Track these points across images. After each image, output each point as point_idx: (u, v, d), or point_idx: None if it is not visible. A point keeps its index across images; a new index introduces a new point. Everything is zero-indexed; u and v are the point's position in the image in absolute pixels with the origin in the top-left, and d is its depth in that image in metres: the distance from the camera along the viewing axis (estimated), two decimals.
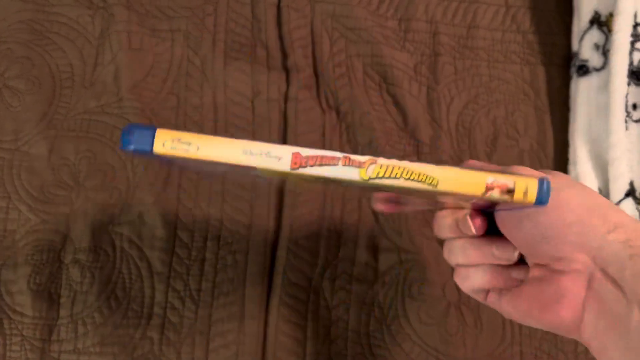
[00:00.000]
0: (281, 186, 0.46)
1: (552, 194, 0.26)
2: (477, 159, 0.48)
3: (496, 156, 0.49)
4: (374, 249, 0.46)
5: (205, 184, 0.46)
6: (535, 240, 0.29)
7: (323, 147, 0.47)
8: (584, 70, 0.48)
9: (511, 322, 0.45)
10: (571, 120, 0.49)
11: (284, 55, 0.49)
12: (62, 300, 0.42)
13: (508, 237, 0.30)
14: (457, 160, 0.48)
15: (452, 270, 0.33)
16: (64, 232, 0.44)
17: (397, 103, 0.49)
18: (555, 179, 0.29)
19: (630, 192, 0.45)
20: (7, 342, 0.41)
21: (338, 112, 0.49)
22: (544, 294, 0.29)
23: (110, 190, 0.45)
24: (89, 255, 0.43)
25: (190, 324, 0.43)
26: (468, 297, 0.34)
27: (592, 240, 0.28)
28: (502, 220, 0.30)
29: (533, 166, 0.48)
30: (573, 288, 0.28)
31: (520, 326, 0.45)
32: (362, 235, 0.46)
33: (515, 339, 0.45)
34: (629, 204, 0.45)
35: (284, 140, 0.47)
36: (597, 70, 0.48)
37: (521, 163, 0.49)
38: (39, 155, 0.45)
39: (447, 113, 0.49)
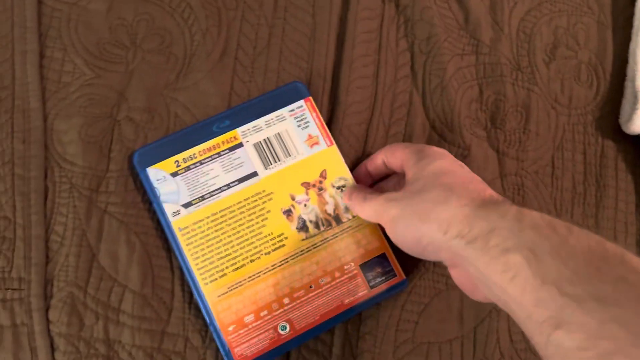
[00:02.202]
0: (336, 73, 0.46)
1: (399, 217, 0.35)
2: (535, 67, 0.48)
3: (554, 65, 0.48)
4: None
5: (261, 60, 0.45)
6: (415, 252, 0.37)
7: (380, 38, 0.47)
8: None
9: None
10: (634, 36, 0.48)
11: None
12: (113, 154, 0.42)
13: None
14: (514, 64, 0.48)
15: None
16: (118, 90, 0.43)
17: (460, 1, 0.48)
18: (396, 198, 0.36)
19: None
20: (57, 189, 0.41)
21: (398, 5, 0.48)
22: (464, 283, 0.37)
23: (167, 55, 0.44)
24: (143, 115, 0.43)
25: None
26: None
27: (439, 250, 0.34)
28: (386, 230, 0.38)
29: (589, 79, 0.48)
30: (465, 278, 0.36)
31: None
32: None
33: None
34: None
35: (342, 23, 0.47)
36: None
37: (578, 75, 0.48)
38: (97, 11, 0.44)
39: (509, 17, 0.49)
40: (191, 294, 0.41)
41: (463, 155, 0.45)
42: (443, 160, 0.37)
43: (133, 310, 0.40)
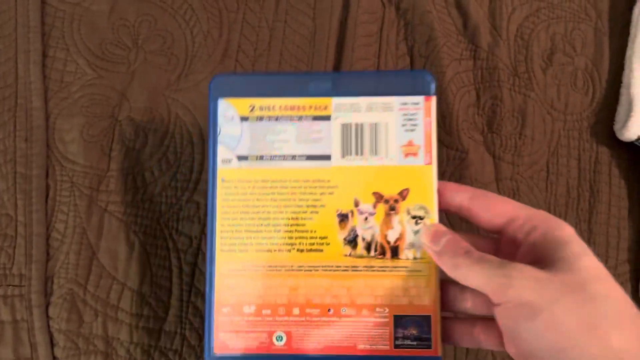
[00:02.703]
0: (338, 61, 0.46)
1: (546, 311, 0.26)
2: (532, 72, 0.48)
3: (551, 71, 0.49)
4: None
5: (262, 61, 0.46)
6: (529, 352, 0.27)
7: (380, 41, 0.47)
8: None
9: None
10: (630, 43, 0.49)
11: None
12: (114, 154, 0.43)
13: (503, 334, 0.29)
14: (511, 70, 0.48)
15: None
16: (120, 90, 0.44)
17: (459, 6, 0.49)
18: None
19: None
20: (58, 187, 0.42)
21: (398, 9, 0.48)
22: None
23: (168, 56, 0.45)
24: (144, 115, 0.44)
25: None
26: None
27: None
28: (499, 318, 0.28)
29: (586, 86, 0.48)
30: None
31: None
32: None
33: None
34: None
35: (342, 26, 0.47)
36: None
37: (574, 81, 0.49)
38: (99, 12, 0.45)
39: (507, 22, 0.49)
40: (189, 293, 0.41)
41: (461, 158, 0.46)
42: (591, 257, 0.28)
43: (132, 308, 0.41)
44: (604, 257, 0.46)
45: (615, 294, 0.26)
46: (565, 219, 0.46)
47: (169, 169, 0.43)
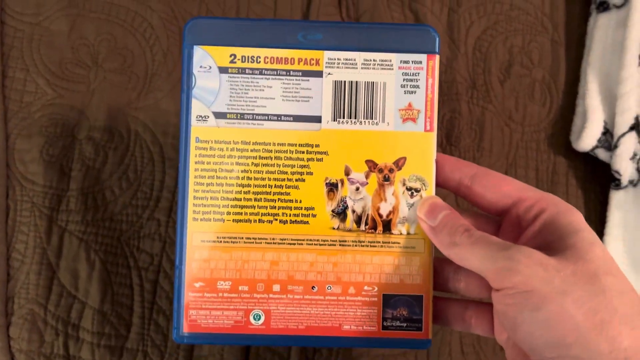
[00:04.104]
0: None
1: (554, 301, 0.24)
2: (490, 85, 0.49)
3: (509, 83, 0.49)
4: None
5: None
6: (529, 344, 0.25)
7: None
8: (604, 6, 0.49)
9: None
10: (585, 55, 0.50)
11: None
12: (74, 173, 0.43)
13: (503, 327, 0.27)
14: (470, 82, 0.49)
15: None
16: (79, 109, 0.44)
17: (418, 20, 0.49)
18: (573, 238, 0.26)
19: (635, 126, 0.46)
20: (18, 207, 0.42)
21: (357, 20, 0.49)
22: None
23: (128, 75, 0.45)
24: (104, 134, 0.44)
25: None
26: None
27: None
28: (498, 304, 0.26)
29: (543, 97, 0.49)
30: None
31: None
32: None
33: None
34: (631, 137, 0.46)
35: None
36: (618, 7, 0.48)
37: (532, 93, 0.50)
38: (59, 31, 0.45)
39: (465, 36, 0.50)
40: (151, 310, 0.42)
41: None
42: (602, 248, 0.26)
43: (93, 327, 0.41)
44: None
45: (627, 289, 0.24)
46: None
47: (130, 187, 0.43)
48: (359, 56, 0.31)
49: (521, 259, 0.25)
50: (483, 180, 0.30)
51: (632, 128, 0.46)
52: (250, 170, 0.31)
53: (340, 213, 0.31)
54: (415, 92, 0.31)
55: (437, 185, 0.31)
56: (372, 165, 0.31)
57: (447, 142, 0.48)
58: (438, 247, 0.29)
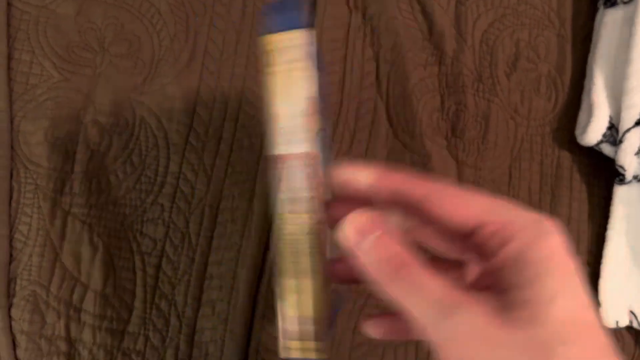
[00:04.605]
0: None
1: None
2: (496, 78, 0.49)
3: (515, 77, 0.49)
4: None
5: (228, 65, 0.46)
6: None
7: (346, 47, 0.48)
8: (611, 2, 0.49)
9: None
10: (592, 50, 0.50)
11: None
12: (78, 156, 0.43)
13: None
14: (476, 75, 0.49)
15: None
16: (85, 93, 0.44)
17: (425, 12, 0.49)
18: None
19: None
20: (22, 189, 0.42)
21: (364, 15, 0.49)
22: None
23: (134, 60, 0.45)
24: (109, 118, 0.44)
25: (201, 196, 0.44)
26: None
27: None
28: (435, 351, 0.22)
29: (549, 92, 0.49)
30: None
31: None
32: None
33: None
34: (637, 133, 0.46)
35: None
36: (625, 3, 0.48)
37: (538, 87, 0.50)
38: (66, 15, 0.45)
39: (472, 29, 0.50)
40: (153, 295, 0.42)
41: (423, 163, 0.47)
42: (576, 295, 0.21)
43: (95, 310, 0.41)
44: None
45: (588, 357, 0.21)
46: None
47: (134, 172, 0.43)
48: None
49: (459, 330, 0.21)
50: (435, 205, 0.23)
51: (637, 123, 0.46)
52: None
53: None
54: None
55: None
56: None
57: (452, 134, 0.48)
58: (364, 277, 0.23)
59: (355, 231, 0.23)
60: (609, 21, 0.49)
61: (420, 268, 0.22)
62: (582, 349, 0.20)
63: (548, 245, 0.22)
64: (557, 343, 0.20)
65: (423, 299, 0.21)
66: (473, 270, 0.25)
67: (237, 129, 0.45)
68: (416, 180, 0.24)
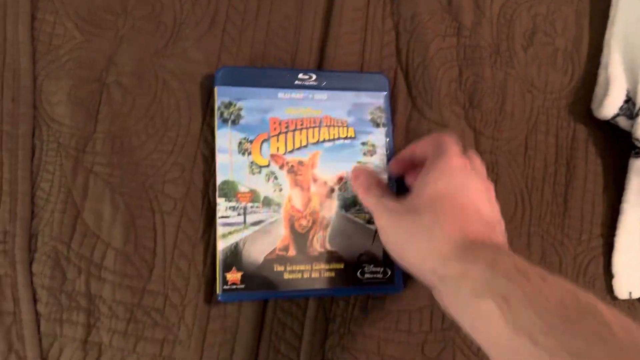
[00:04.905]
0: (323, 40, 0.47)
1: (389, 232, 0.37)
2: (513, 51, 0.49)
3: (532, 50, 0.50)
4: None
5: (249, 32, 0.46)
6: (399, 264, 0.37)
7: (367, 16, 0.48)
8: None
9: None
10: (609, 25, 0.50)
11: None
12: (100, 116, 0.43)
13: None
14: (493, 48, 0.49)
15: None
16: (108, 55, 0.44)
17: None
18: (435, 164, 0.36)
19: None
20: (44, 147, 0.42)
21: None
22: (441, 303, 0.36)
23: (157, 23, 0.45)
24: (132, 79, 0.44)
25: None
26: None
27: (418, 273, 0.35)
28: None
29: (565, 66, 0.50)
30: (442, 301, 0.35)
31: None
32: None
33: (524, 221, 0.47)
34: None
35: (330, 3, 0.48)
36: None
37: (554, 61, 0.50)
38: None
39: (491, 2, 0.50)
40: (172, 254, 0.42)
41: (441, 131, 0.47)
42: (449, 180, 0.35)
43: (115, 267, 0.41)
44: (578, 231, 0.47)
45: (439, 220, 0.34)
46: (542, 193, 0.48)
47: (156, 133, 0.44)
48: None
49: (380, 208, 0.38)
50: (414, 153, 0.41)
51: None
52: None
53: None
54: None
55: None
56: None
57: (470, 105, 0.48)
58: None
59: (354, 175, 0.43)
60: None
61: (380, 190, 0.40)
62: (434, 215, 0.34)
63: (441, 155, 0.36)
64: (421, 210, 0.35)
65: (378, 204, 0.38)
66: None
67: None
68: (408, 150, 0.42)
